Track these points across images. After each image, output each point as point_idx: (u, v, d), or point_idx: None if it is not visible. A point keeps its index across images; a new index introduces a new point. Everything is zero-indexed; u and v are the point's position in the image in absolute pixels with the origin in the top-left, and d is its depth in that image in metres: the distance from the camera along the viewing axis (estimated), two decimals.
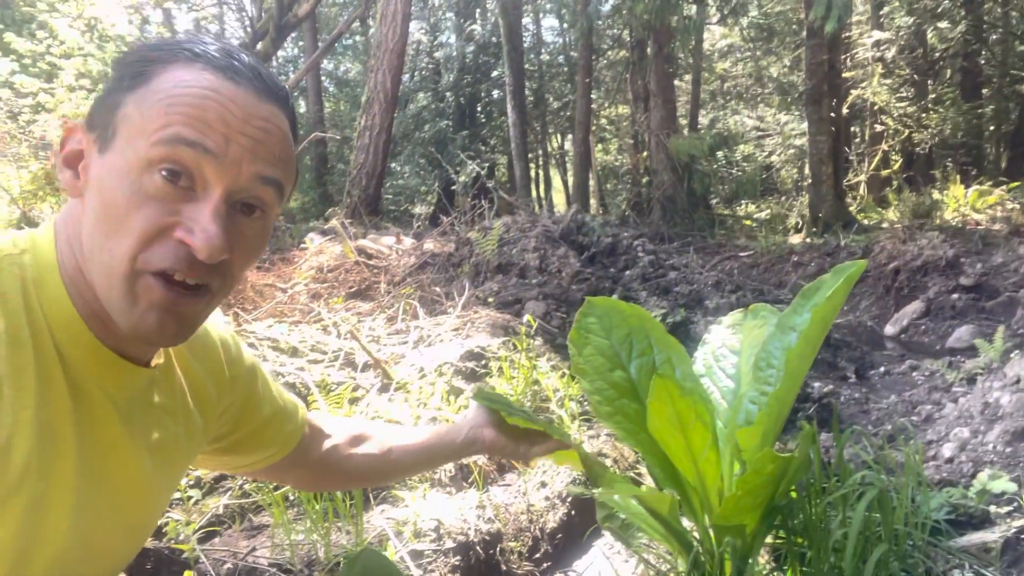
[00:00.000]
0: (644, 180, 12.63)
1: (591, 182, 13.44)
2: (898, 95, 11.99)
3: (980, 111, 12.50)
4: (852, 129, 13.35)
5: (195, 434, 0.84)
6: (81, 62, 6.79)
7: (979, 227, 7.10)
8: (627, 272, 5.01)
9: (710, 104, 18.35)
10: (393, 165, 15.30)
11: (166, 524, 1.68)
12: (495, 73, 16.20)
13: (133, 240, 0.63)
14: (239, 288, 3.79)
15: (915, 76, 12.50)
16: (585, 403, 2.83)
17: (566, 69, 18.17)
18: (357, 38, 18.90)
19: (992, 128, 13.43)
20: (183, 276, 0.65)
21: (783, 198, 13.69)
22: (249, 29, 13.41)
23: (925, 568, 1.59)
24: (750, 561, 1.44)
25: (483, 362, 2.89)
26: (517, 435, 1.15)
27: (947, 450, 2.35)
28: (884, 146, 11.85)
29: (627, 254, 5.27)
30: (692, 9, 10.17)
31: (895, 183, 10.71)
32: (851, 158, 12.41)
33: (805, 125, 11.44)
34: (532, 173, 18.12)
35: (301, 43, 18.48)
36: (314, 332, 3.09)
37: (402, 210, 14.39)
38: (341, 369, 2.72)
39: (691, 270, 5.36)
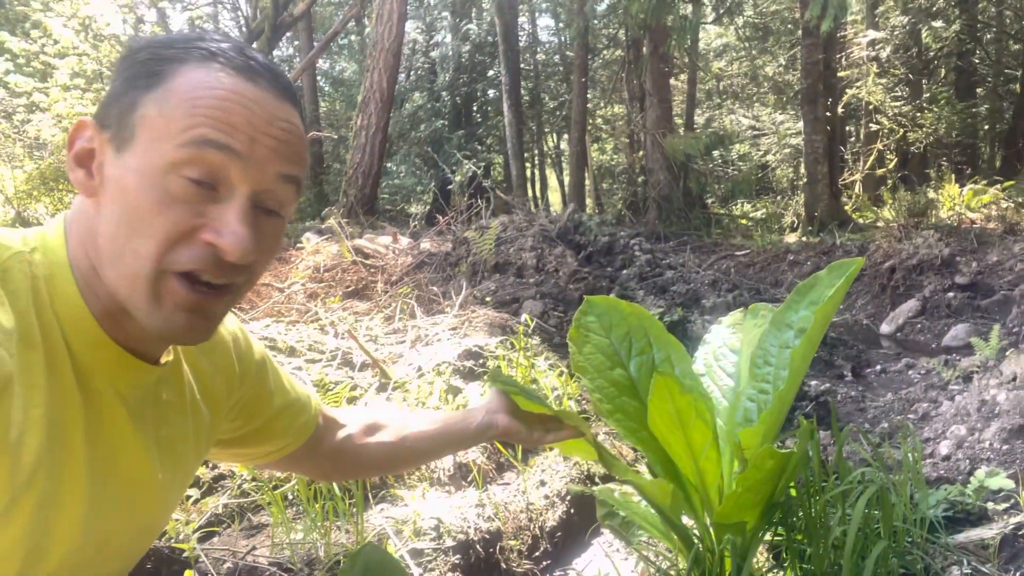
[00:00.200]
0: (640, 179, 12.65)
1: (587, 181, 13.43)
2: (893, 94, 12.03)
3: (975, 110, 12.58)
4: (847, 128, 13.38)
5: (203, 431, 0.84)
6: (76, 61, 6.78)
7: (974, 226, 7.12)
8: (624, 271, 5.01)
9: (706, 103, 18.40)
10: (389, 165, 15.30)
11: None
12: (491, 72, 16.21)
13: (158, 242, 0.63)
14: None
15: (910, 75, 12.54)
16: (583, 402, 2.84)
17: (562, 68, 18.23)
18: (353, 37, 18.90)
19: (987, 127, 13.52)
20: (210, 277, 0.66)
21: (779, 197, 13.70)
22: (244, 28, 13.37)
23: (924, 565, 1.60)
24: (750, 558, 1.45)
25: (481, 361, 2.89)
26: (531, 421, 1.15)
27: (944, 448, 2.35)
28: (879, 145, 11.88)
29: (624, 253, 5.28)
30: (688, 8, 10.18)
31: (890, 182, 10.73)
32: (846, 157, 12.44)
33: (800, 124, 11.48)
34: (528, 172, 18.16)
35: (296, 42, 18.48)
36: (311, 332, 3.09)
37: (398, 210, 14.41)
38: (339, 369, 2.71)
39: (688, 269, 5.37)
